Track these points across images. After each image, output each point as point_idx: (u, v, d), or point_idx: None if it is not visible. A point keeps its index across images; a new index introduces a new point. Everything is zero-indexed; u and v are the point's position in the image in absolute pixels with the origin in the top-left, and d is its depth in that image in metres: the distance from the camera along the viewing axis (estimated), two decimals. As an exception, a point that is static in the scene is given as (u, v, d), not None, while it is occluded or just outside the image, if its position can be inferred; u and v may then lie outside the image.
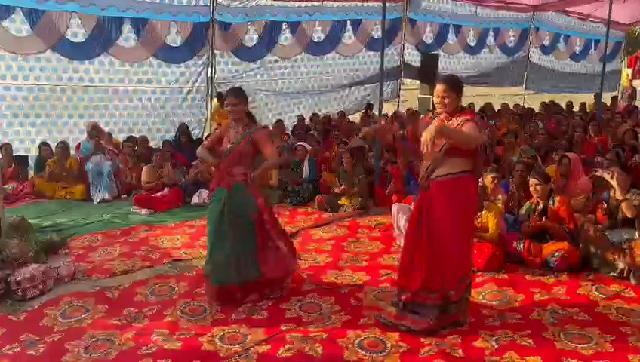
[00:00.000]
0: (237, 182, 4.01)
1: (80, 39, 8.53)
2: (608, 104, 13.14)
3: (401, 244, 5.31)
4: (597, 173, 5.08)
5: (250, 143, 4.03)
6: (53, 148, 7.87)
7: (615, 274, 4.54)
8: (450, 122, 3.50)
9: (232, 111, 4.04)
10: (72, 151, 8.03)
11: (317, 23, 11.01)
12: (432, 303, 3.63)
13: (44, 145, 8.00)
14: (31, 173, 8.02)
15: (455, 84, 3.58)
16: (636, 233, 4.73)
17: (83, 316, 3.96)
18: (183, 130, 9.27)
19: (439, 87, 3.53)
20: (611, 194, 5.06)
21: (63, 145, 7.74)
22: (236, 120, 4.07)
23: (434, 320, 3.61)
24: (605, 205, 5.25)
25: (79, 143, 8.12)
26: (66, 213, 6.69)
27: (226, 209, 3.99)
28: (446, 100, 3.52)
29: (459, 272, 3.65)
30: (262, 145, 4.05)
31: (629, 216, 4.72)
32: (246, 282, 4.06)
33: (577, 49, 15.74)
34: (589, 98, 13.95)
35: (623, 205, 4.71)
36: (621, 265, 4.54)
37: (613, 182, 4.75)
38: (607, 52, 11.43)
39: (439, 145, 3.45)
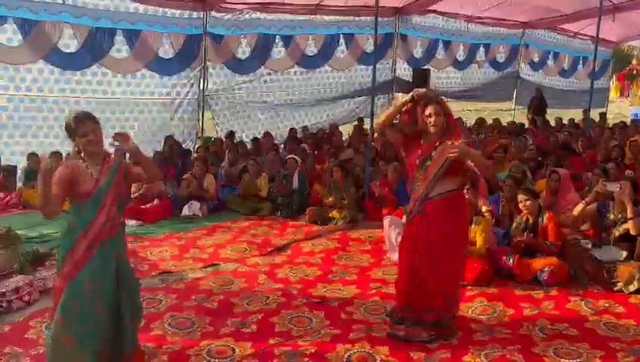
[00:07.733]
0: (119, 227, 3.13)
1: (72, 50, 8.51)
2: (597, 120, 13.29)
3: (392, 258, 5.36)
4: (606, 187, 4.91)
5: (124, 177, 3.21)
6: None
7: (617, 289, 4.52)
8: (443, 145, 3.52)
9: (93, 140, 3.09)
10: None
11: (310, 36, 11.10)
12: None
13: (32, 155, 7.92)
14: (19, 184, 7.94)
15: (444, 104, 3.62)
16: (623, 253, 4.70)
17: (68, 329, 3.89)
18: (171, 142, 9.21)
19: (430, 108, 3.55)
20: (611, 208, 4.97)
21: (57, 155, 7.66)
22: (96, 153, 3.12)
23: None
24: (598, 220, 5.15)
25: (69, 155, 8.06)
26: (53, 224, 6.59)
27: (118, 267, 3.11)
28: (439, 119, 3.55)
29: (454, 291, 3.76)
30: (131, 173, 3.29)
31: (633, 233, 4.63)
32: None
33: (566, 66, 15.99)
34: (577, 114, 14.09)
35: (632, 222, 4.61)
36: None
37: (625, 198, 4.66)
38: (595, 69, 11.59)
39: (436, 167, 3.50)
